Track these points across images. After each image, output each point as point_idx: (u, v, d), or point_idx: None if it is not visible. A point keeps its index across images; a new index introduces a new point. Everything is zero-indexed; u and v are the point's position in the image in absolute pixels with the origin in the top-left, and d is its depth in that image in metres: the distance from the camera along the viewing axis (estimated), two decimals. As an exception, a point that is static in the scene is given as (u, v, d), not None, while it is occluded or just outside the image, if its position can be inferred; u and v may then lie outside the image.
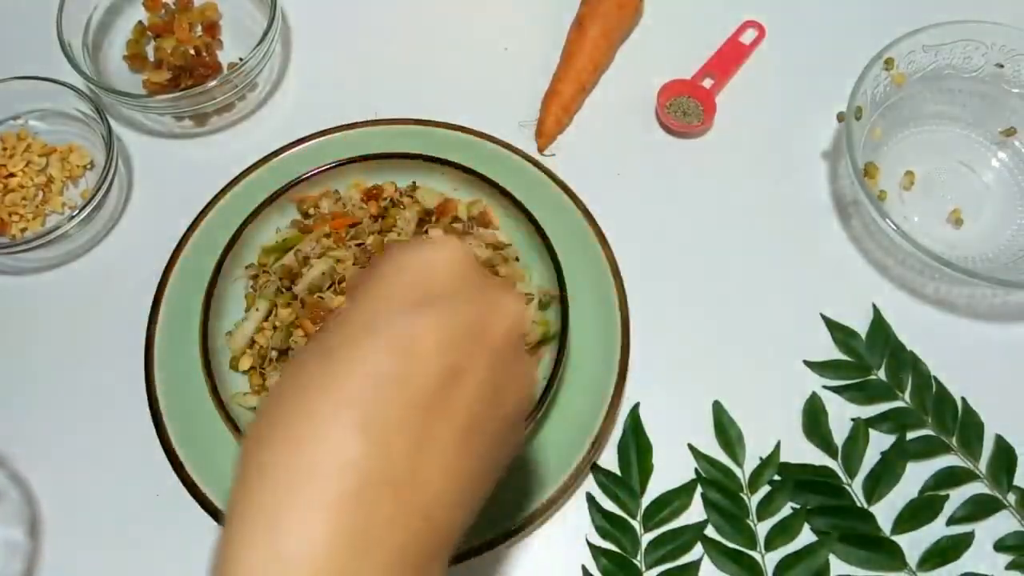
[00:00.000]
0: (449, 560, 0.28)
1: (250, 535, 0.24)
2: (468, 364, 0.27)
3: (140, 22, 0.62)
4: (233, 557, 0.24)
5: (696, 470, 0.50)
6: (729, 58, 0.63)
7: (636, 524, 0.48)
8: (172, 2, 0.63)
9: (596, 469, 0.50)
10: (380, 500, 0.24)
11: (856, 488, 0.49)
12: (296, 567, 0.23)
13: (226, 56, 0.62)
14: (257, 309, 0.49)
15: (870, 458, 0.50)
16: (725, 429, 0.51)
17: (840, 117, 0.56)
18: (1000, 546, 0.48)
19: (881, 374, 0.53)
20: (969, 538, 0.48)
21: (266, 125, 0.61)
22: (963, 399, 0.52)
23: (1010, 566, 0.47)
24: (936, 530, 0.48)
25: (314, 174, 0.52)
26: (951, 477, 0.49)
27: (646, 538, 0.48)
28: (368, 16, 0.65)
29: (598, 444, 0.48)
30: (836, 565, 0.47)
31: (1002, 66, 0.58)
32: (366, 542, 0.24)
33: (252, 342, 0.49)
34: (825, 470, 0.50)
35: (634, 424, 0.51)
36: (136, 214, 0.58)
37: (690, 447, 0.50)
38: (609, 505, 0.49)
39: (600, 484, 0.49)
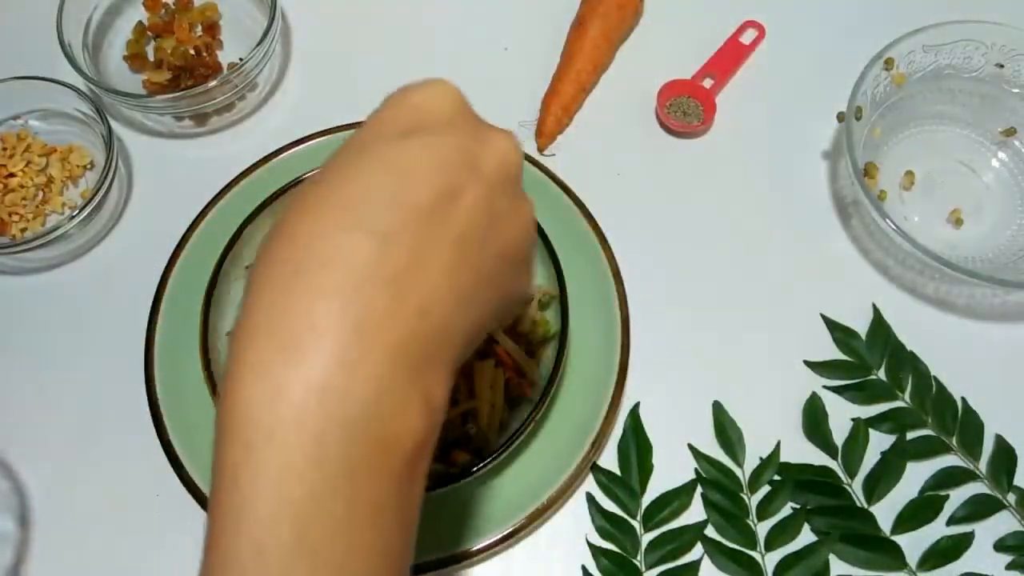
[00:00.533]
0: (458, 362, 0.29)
1: (265, 350, 0.25)
2: (463, 186, 0.28)
3: (140, 22, 0.62)
4: (244, 352, 0.25)
5: (696, 470, 0.50)
6: (729, 58, 0.63)
7: (636, 524, 0.48)
8: (172, 2, 0.63)
9: (596, 469, 0.50)
10: (377, 294, 0.25)
11: (856, 488, 0.49)
12: (299, 356, 0.24)
13: (226, 56, 0.62)
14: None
15: (870, 458, 0.50)
16: (725, 429, 0.51)
17: (840, 117, 0.56)
18: (1000, 546, 0.48)
19: (881, 374, 0.53)
20: (969, 538, 0.48)
21: (266, 125, 0.61)
22: (963, 399, 0.52)
23: (1010, 566, 0.47)
24: (936, 530, 0.48)
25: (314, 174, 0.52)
26: (951, 477, 0.49)
27: (646, 538, 0.48)
28: (368, 16, 0.65)
29: (598, 444, 0.48)
30: (836, 565, 0.47)
31: (1002, 66, 0.58)
32: (367, 332, 0.25)
33: (252, 342, 0.49)
34: (825, 470, 0.50)
35: (634, 424, 0.51)
36: (136, 214, 0.58)
37: (690, 447, 0.50)
38: (609, 505, 0.49)
39: (600, 484, 0.49)
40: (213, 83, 0.56)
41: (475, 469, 0.44)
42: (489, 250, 0.29)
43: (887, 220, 0.51)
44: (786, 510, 0.49)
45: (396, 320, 0.26)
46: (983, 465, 0.50)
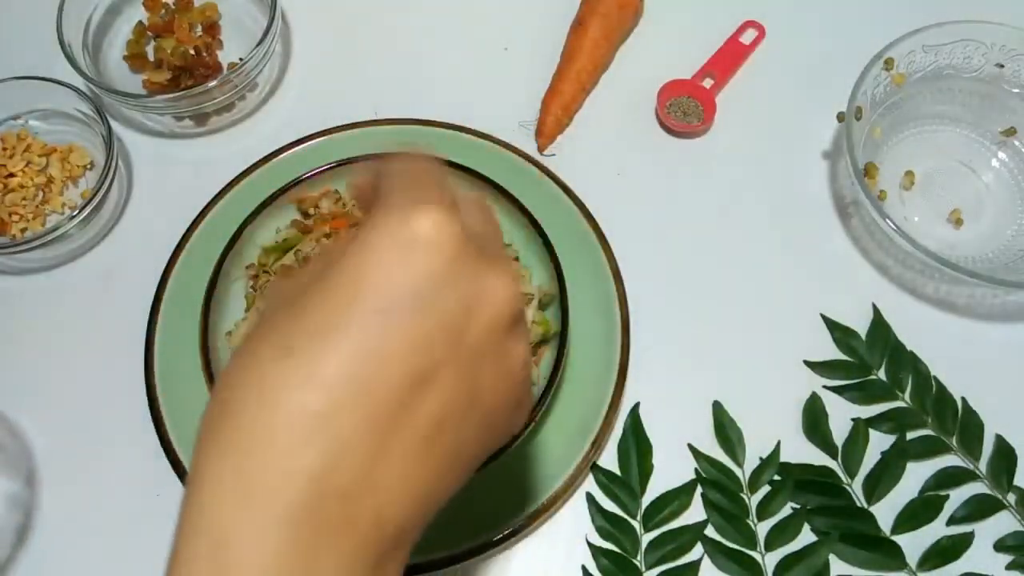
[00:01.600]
0: (411, 554, 0.28)
1: (194, 548, 0.23)
2: (439, 367, 0.26)
3: (140, 22, 0.62)
4: (179, 573, 0.23)
5: (696, 470, 0.50)
6: (729, 58, 0.63)
7: (636, 524, 0.48)
8: (172, 2, 0.63)
9: (596, 469, 0.50)
10: (331, 509, 0.24)
11: (856, 488, 0.49)
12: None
13: (226, 56, 0.62)
14: (258, 309, 0.49)
15: (870, 458, 0.50)
16: (725, 429, 0.51)
17: (840, 117, 0.56)
18: (1000, 546, 0.48)
19: (881, 374, 0.53)
20: (969, 538, 0.48)
21: (266, 125, 0.61)
22: (963, 399, 0.52)
23: (1010, 566, 0.47)
24: (936, 530, 0.48)
25: (314, 174, 0.52)
26: (951, 477, 0.49)
27: (646, 538, 0.48)
28: (368, 16, 0.65)
29: (598, 444, 0.48)
30: (836, 565, 0.47)
31: (1002, 66, 0.58)
32: (315, 552, 0.23)
33: (252, 342, 0.49)
34: (825, 470, 0.50)
35: (634, 424, 0.51)
36: (136, 214, 0.58)
37: (690, 447, 0.50)
38: (609, 505, 0.49)
39: (600, 484, 0.49)
40: (213, 83, 0.56)
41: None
42: (464, 426, 0.27)
43: (887, 220, 0.51)
44: (786, 510, 0.49)
45: (346, 536, 0.24)
46: (983, 465, 0.50)
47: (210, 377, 0.47)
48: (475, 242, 0.27)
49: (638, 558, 0.47)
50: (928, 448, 0.50)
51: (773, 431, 0.51)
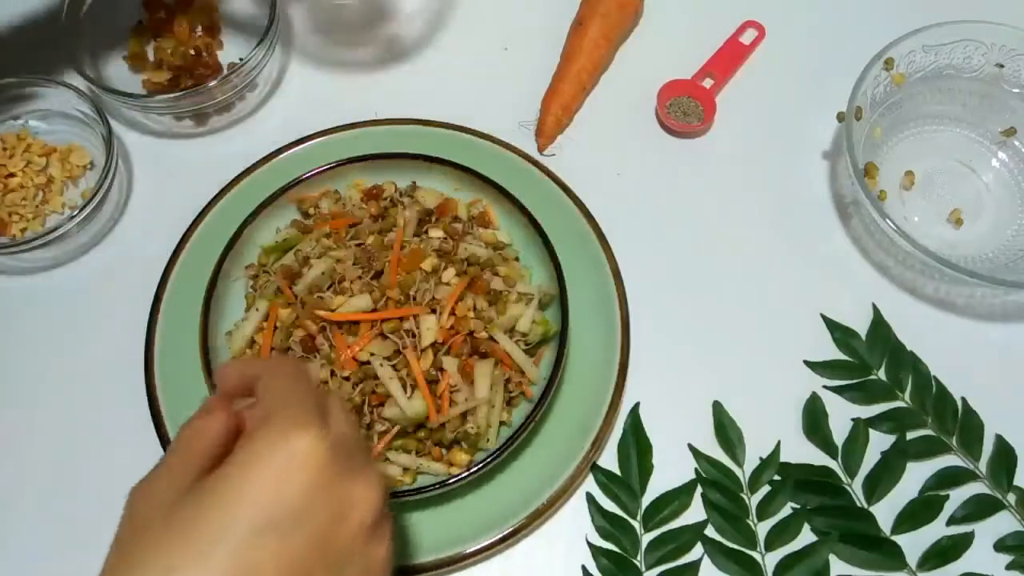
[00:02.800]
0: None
1: None
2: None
3: (140, 22, 0.62)
4: None
5: (696, 470, 0.50)
6: (729, 58, 0.63)
7: (636, 524, 0.48)
8: (172, 2, 0.63)
9: (596, 469, 0.50)
10: None
11: (856, 488, 0.49)
12: None
13: (226, 56, 0.62)
14: (257, 309, 0.49)
15: (870, 458, 0.50)
16: (725, 429, 0.51)
17: (840, 117, 0.56)
18: (1000, 546, 0.48)
19: (881, 374, 0.53)
20: (969, 538, 0.48)
21: (266, 125, 0.61)
22: (963, 399, 0.52)
23: (1010, 566, 0.47)
24: (936, 530, 0.48)
25: (314, 174, 0.52)
26: (951, 477, 0.49)
27: (646, 538, 0.48)
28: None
29: (598, 444, 0.48)
30: (836, 565, 0.47)
31: (1002, 66, 0.58)
32: None
33: (252, 342, 0.49)
34: (825, 470, 0.50)
35: (634, 424, 0.51)
36: (136, 214, 0.58)
37: (690, 447, 0.50)
38: (609, 505, 0.49)
39: (600, 484, 0.49)
40: (213, 83, 0.56)
41: (475, 469, 0.44)
42: None
43: (887, 220, 0.51)
44: (786, 510, 0.49)
45: None
46: (983, 465, 0.50)
47: (210, 377, 0.47)
48: (344, 451, 0.31)
49: (638, 558, 0.47)
50: (928, 448, 0.50)
51: (773, 431, 0.51)
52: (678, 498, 0.49)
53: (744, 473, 0.50)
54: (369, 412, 0.46)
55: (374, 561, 0.32)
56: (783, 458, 0.50)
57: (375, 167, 0.53)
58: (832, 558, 0.47)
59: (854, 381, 0.52)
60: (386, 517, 0.32)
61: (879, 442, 0.51)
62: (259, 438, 0.29)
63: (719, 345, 0.54)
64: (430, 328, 0.46)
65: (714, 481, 0.49)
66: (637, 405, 0.51)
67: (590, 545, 0.48)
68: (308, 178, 0.52)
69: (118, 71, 0.61)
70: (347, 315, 0.47)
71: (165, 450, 0.47)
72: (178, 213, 0.55)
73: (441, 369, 0.46)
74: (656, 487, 0.49)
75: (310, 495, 0.29)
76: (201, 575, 0.27)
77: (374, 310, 0.47)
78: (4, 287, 0.56)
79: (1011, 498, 0.49)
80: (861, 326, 0.54)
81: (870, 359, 0.53)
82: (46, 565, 0.48)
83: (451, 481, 0.44)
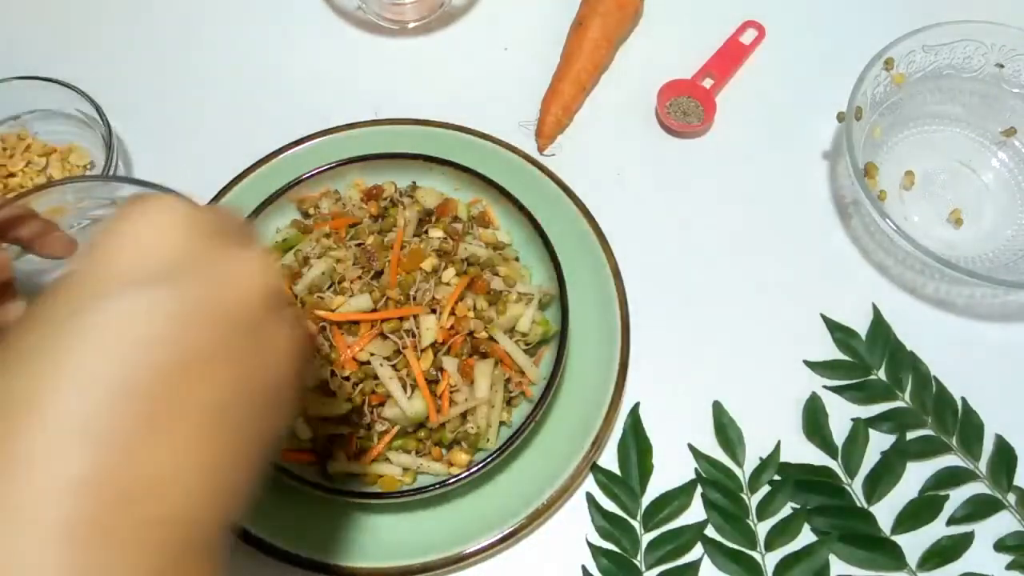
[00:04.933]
0: (229, 543, 0.26)
1: None
2: (200, 351, 0.24)
3: None
4: None
5: (696, 470, 0.50)
6: (729, 58, 0.63)
7: (636, 524, 0.48)
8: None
9: (596, 469, 0.50)
10: (112, 516, 0.21)
11: (856, 488, 0.49)
12: None
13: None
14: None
15: (870, 458, 0.50)
16: (725, 429, 0.51)
17: (840, 117, 0.56)
18: (1000, 546, 0.48)
19: (881, 374, 0.53)
20: (969, 538, 0.48)
21: (265, 125, 0.61)
22: (963, 399, 0.52)
23: (1010, 566, 0.47)
24: (936, 530, 0.48)
25: (314, 174, 0.52)
26: (951, 477, 0.49)
27: (646, 538, 0.48)
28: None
29: (598, 444, 0.48)
30: (836, 565, 0.47)
31: (1002, 66, 0.58)
32: (106, 564, 0.21)
33: (252, 342, 0.49)
34: (825, 470, 0.50)
35: (634, 424, 0.51)
36: (136, 214, 0.58)
37: (690, 447, 0.50)
38: (609, 505, 0.49)
39: (600, 484, 0.49)
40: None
41: (475, 469, 0.44)
42: (243, 403, 0.26)
43: (887, 220, 0.51)
44: (786, 510, 0.49)
45: (139, 541, 0.22)
46: (983, 465, 0.50)
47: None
48: (218, 229, 0.27)
49: (638, 558, 0.47)
50: (928, 448, 0.50)
51: (773, 431, 0.51)
52: (678, 498, 0.49)
53: (744, 473, 0.50)
54: (369, 412, 0.46)
55: (288, 335, 0.27)
56: (783, 458, 0.50)
57: (375, 167, 0.53)
58: (832, 558, 0.47)
59: (854, 381, 0.52)
60: (281, 301, 0.28)
61: (879, 442, 0.51)
62: (122, 212, 0.26)
63: (719, 345, 0.54)
64: (430, 328, 0.46)
65: (714, 481, 0.49)
66: (637, 405, 0.51)
67: (590, 545, 0.48)
68: (308, 178, 0.52)
69: None
70: (347, 315, 0.47)
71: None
72: (178, 213, 0.55)
73: (441, 369, 0.46)
74: (656, 487, 0.49)
75: (187, 257, 0.25)
76: (68, 351, 0.22)
77: (374, 310, 0.47)
78: (4, 287, 0.56)
79: (1011, 498, 0.49)
80: (861, 326, 0.54)
81: (870, 359, 0.53)
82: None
83: (451, 481, 0.44)
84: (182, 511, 0.23)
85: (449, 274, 0.49)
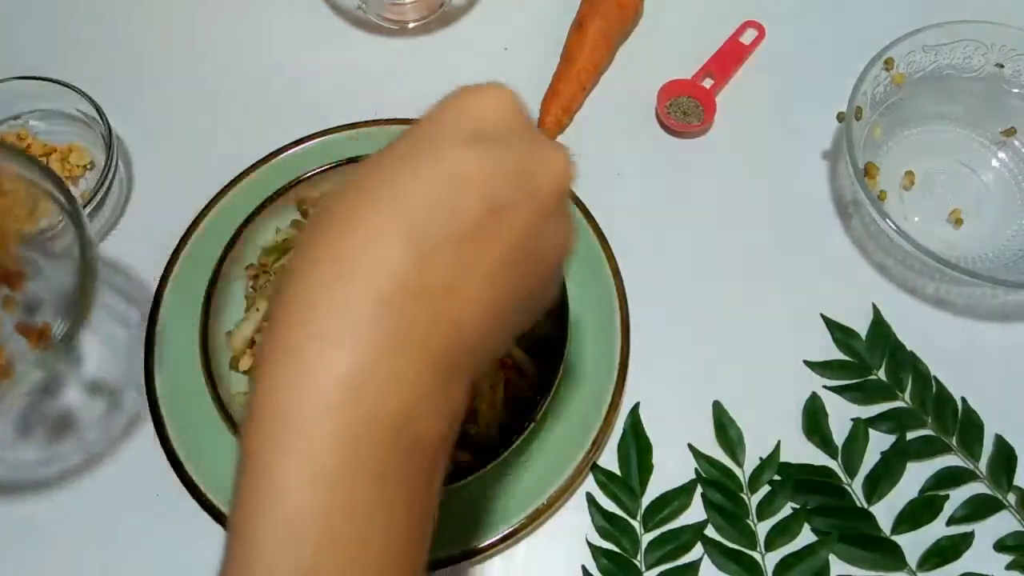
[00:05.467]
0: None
1: (298, 320, 0.25)
2: (513, 203, 0.28)
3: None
4: (279, 340, 0.25)
5: (696, 470, 0.50)
6: (729, 58, 0.63)
7: (636, 524, 0.48)
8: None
9: (596, 469, 0.50)
10: (417, 305, 0.26)
11: (856, 488, 0.49)
12: (339, 351, 0.24)
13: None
14: (257, 309, 0.49)
15: (870, 458, 0.50)
16: (725, 429, 0.51)
17: (840, 117, 0.56)
18: (1000, 546, 0.48)
19: (881, 374, 0.53)
20: (969, 538, 0.48)
21: (265, 125, 0.61)
22: (963, 399, 0.52)
23: (1010, 566, 0.47)
24: (936, 530, 0.48)
25: (314, 174, 0.53)
26: (951, 477, 0.49)
27: (646, 538, 0.48)
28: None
29: (598, 444, 0.48)
30: (836, 565, 0.47)
31: (1002, 66, 0.58)
32: (406, 339, 0.25)
33: (252, 342, 0.49)
34: (825, 470, 0.50)
35: (634, 424, 0.51)
36: (136, 214, 0.58)
37: (690, 447, 0.50)
38: (609, 505, 0.49)
39: (600, 484, 0.49)
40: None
41: (475, 469, 0.44)
42: (529, 270, 0.29)
43: (887, 220, 0.51)
44: (786, 510, 0.49)
45: (431, 334, 0.26)
46: (983, 465, 0.50)
47: (210, 377, 0.47)
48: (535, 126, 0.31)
49: (638, 558, 0.47)
50: (928, 448, 0.50)
51: (773, 431, 0.51)
52: (678, 498, 0.49)
53: (744, 473, 0.50)
54: (369, 412, 0.46)
55: (567, 227, 0.31)
56: (783, 458, 0.50)
57: (375, 167, 0.53)
58: (832, 558, 0.47)
59: (854, 381, 0.52)
60: (570, 205, 0.32)
61: (879, 442, 0.51)
62: (453, 92, 0.31)
63: (719, 345, 0.54)
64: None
65: (714, 481, 0.49)
66: (637, 405, 0.51)
67: (590, 545, 0.48)
68: (308, 178, 0.52)
69: None
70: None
71: (165, 451, 0.47)
72: (178, 213, 0.55)
73: (441, 369, 0.46)
74: (656, 487, 0.49)
75: (510, 129, 0.29)
76: (410, 176, 0.27)
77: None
78: (4, 287, 0.56)
79: (1011, 498, 0.49)
80: (861, 326, 0.54)
81: (870, 359, 0.53)
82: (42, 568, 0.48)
83: (451, 482, 0.44)
84: (468, 324, 0.27)
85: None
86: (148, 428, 0.48)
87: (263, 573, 0.24)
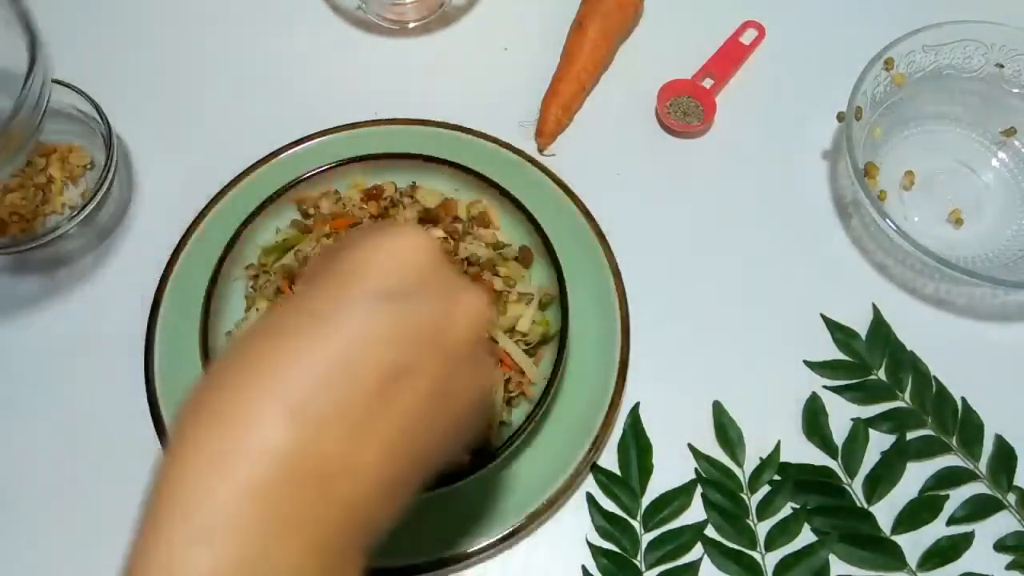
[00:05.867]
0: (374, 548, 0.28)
1: (167, 514, 0.24)
2: (419, 365, 0.27)
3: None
4: (148, 534, 0.24)
5: (696, 470, 0.50)
6: (729, 58, 0.63)
7: (636, 524, 0.48)
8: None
9: (596, 469, 0.50)
10: (303, 490, 0.24)
11: (856, 488, 0.49)
12: (207, 550, 0.23)
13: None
14: (257, 309, 0.49)
15: (870, 458, 0.50)
16: (725, 429, 0.51)
17: (840, 117, 0.56)
18: (1000, 546, 0.48)
19: (881, 374, 0.53)
20: (969, 538, 0.48)
21: (266, 125, 0.61)
22: (963, 399, 0.52)
23: (1010, 566, 0.47)
24: (936, 530, 0.48)
25: (314, 174, 0.52)
26: (951, 477, 0.49)
27: (646, 538, 0.48)
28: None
29: (598, 444, 0.48)
30: (836, 565, 0.47)
31: (1002, 66, 0.58)
32: (284, 528, 0.24)
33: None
34: (825, 470, 0.50)
35: (634, 424, 0.51)
36: (136, 214, 0.58)
37: (690, 447, 0.50)
38: (609, 505, 0.49)
39: (600, 484, 0.49)
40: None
41: (475, 469, 0.44)
42: (435, 427, 0.28)
43: (887, 220, 0.51)
44: (786, 510, 0.49)
45: (317, 520, 0.24)
46: (983, 465, 0.50)
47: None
48: (449, 266, 0.30)
49: (638, 558, 0.47)
50: (928, 448, 0.50)
51: (773, 431, 0.51)
52: (678, 498, 0.49)
53: (744, 473, 0.50)
54: (369, 412, 0.46)
55: (483, 370, 0.30)
56: (783, 458, 0.50)
57: (375, 167, 0.53)
58: (832, 558, 0.47)
59: (854, 381, 0.52)
60: (488, 345, 0.31)
61: (879, 442, 0.51)
62: (373, 230, 0.29)
63: (719, 345, 0.54)
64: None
65: (714, 481, 0.49)
66: (637, 405, 0.51)
67: (590, 545, 0.48)
68: (308, 178, 0.52)
69: None
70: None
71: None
72: (178, 213, 0.55)
73: (441, 369, 0.46)
74: (656, 487, 0.49)
75: (423, 277, 0.28)
76: (307, 341, 0.25)
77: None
78: (4, 287, 0.56)
79: (1011, 498, 0.49)
80: (861, 326, 0.54)
81: (870, 359, 0.53)
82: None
83: (451, 482, 0.44)
84: (362, 503, 0.26)
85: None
86: (148, 428, 0.48)
87: None
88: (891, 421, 0.51)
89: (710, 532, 0.48)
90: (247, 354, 0.26)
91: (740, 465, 0.50)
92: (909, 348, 0.53)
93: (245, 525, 0.23)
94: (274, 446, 0.24)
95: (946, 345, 0.53)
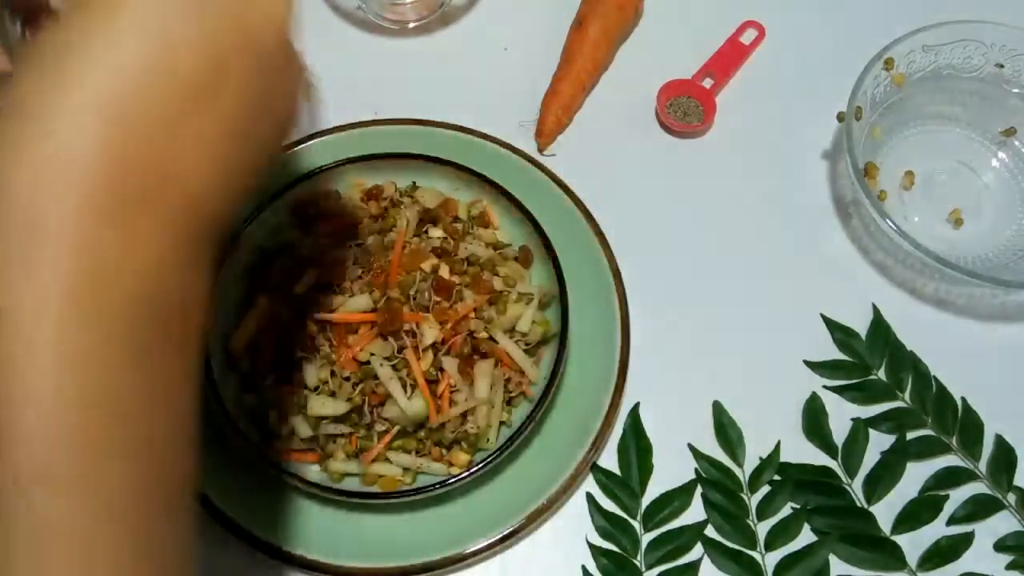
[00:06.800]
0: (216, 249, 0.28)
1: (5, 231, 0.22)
2: (233, 58, 0.26)
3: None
4: None
5: (696, 470, 0.50)
6: (729, 58, 0.63)
7: (636, 524, 0.48)
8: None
9: (596, 469, 0.50)
10: (137, 179, 0.24)
11: (856, 488, 0.49)
12: (50, 240, 0.22)
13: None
14: (257, 308, 0.49)
15: (870, 458, 0.50)
16: (725, 429, 0.51)
17: (840, 117, 0.56)
18: (1000, 546, 0.48)
19: (881, 374, 0.53)
20: (969, 538, 0.48)
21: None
22: (963, 399, 0.52)
23: (1010, 566, 0.47)
24: (936, 530, 0.48)
25: (314, 174, 0.52)
26: (951, 477, 0.49)
27: (646, 538, 0.48)
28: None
29: (598, 444, 0.48)
30: (836, 565, 0.47)
31: (1002, 66, 0.58)
32: (126, 216, 0.23)
33: (252, 342, 0.49)
34: (825, 470, 0.50)
35: (634, 424, 0.51)
36: (136, 214, 0.58)
37: (690, 447, 0.50)
38: (609, 505, 0.49)
39: (600, 484, 0.49)
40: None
41: (475, 469, 0.44)
42: (260, 124, 0.28)
43: (887, 220, 0.51)
44: (786, 510, 0.49)
45: (161, 204, 0.24)
46: (983, 465, 0.50)
47: (210, 377, 0.46)
48: None
49: (638, 558, 0.47)
50: (928, 448, 0.50)
51: (773, 431, 0.51)
52: (678, 498, 0.49)
53: (744, 473, 0.50)
54: (369, 412, 0.46)
55: (299, 81, 0.30)
56: (783, 458, 0.50)
57: (375, 167, 0.53)
58: (832, 558, 0.47)
59: (854, 381, 0.52)
60: (295, 53, 0.31)
61: (879, 442, 0.51)
62: None
63: (719, 345, 0.54)
64: (431, 328, 0.46)
65: (714, 481, 0.49)
66: (637, 405, 0.51)
67: (590, 545, 0.48)
68: (308, 178, 0.52)
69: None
70: (347, 315, 0.47)
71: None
72: (178, 213, 0.55)
73: (441, 369, 0.46)
74: (656, 487, 0.49)
75: None
76: (104, 42, 0.24)
77: (374, 310, 0.47)
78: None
79: (1011, 498, 0.49)
80: (861, 326, 0.54)
81: (870, 359, 0.53)
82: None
83: (451, 481, 0.44)
84: (199, 193, 0.25)
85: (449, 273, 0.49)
86: (148, 428, 0.48)
87: None
88: (891, 421, 0.51)
89: (710, 532, 0.48)
90: (40, 68, 0.24)
91: (740, 465, 0.50)
92: (909, 348, 0.53)
93: (82, 224, 0.23)
94: (97, 140, 0.23)
95: (946, 345, 0.53)
